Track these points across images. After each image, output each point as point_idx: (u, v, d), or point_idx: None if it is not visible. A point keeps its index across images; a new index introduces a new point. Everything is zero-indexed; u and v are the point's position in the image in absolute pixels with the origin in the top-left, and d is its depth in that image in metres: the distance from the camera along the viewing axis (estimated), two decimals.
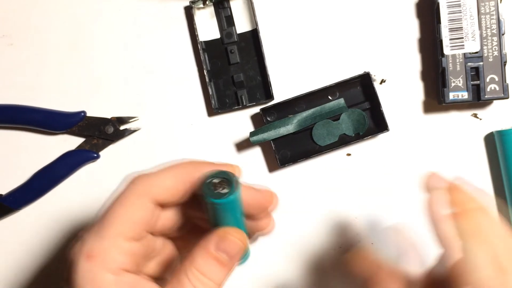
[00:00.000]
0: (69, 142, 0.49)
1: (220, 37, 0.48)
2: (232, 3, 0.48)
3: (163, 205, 0.34)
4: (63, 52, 0.49)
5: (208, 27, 0.48)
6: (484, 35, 0.44)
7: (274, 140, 0.46)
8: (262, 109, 0.46)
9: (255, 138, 0.46)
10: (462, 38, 0.44)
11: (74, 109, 0.48)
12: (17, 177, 0.49)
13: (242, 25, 0.48)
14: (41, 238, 0.49)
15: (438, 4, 0.44)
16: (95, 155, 0.48)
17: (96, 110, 0.49)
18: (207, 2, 0.47)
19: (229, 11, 0.48)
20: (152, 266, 0.37)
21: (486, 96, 0.44)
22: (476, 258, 0.30)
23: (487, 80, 0.44)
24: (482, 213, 0.33)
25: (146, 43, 0.49)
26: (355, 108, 0.47)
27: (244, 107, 0.47)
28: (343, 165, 0.48)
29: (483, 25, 0.44)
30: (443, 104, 0.45)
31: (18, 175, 0.49)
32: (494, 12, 0.44)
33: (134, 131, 0.48)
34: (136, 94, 0.49)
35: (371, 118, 0.47)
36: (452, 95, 0.45)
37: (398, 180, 0.47)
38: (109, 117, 0.48)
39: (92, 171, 0.49)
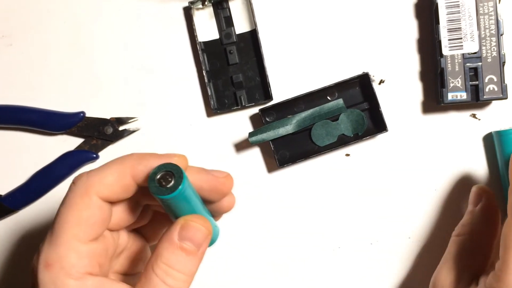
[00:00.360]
0: (68, 143, 0.49)
1: (219, 38, 0.48)
2: (231, 4, 0.48)
3: (111, 201, 0.33)
4: (63, 53, 0.49)
5: (207, 28, 0.48)
6: (483, 35, 0.44)
7: (273, 140, 0.47)
8: (261, 110, 0.46)
9: (254, 138, 0.46)
10: (461, 38, 0.44)
11: (73, 110, 0.48)
12: (17, 178, 0.49)
13: (241, 26, 0.48)
14: (40, 239, 0.49)
15: (436, 4, 0.44)
16: (94, 155, 0.48)
17: (95, 110, 0.49)
18: (206, 3, 0.47)
19: (228, 12, 0.48)
20: (122, 262, 0.36)
21: (484, 97, 0.44)
22: None
23: (486, 80, 0.44)
24: None
25: (145, 44, 0.49)
26: (354, 108, 0.47)
27: (243, 107, 0.47)
28: (342, 166, 0.48)
29: (482, 25, 0.44)
30: (442, 104, 0.45)
31: (17, 175, 0.49)
32: (492, 13, 0.44)
33: (133, 131, 0.48)
34: (135, 94, 0.49)
35: (370, 118, 0.47)
36: (450, 96, 0.45)
37: (398, 180, 0.47)
38: (108, 117, 0.48)
39: None
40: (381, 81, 0.47)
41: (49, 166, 0.48)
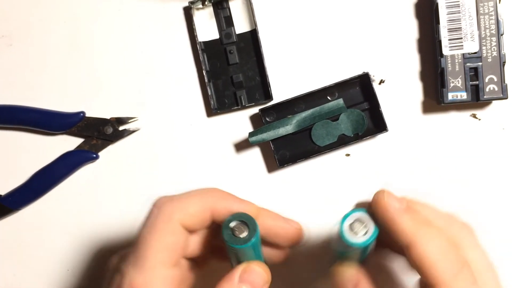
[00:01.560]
0: (68, 143, 0.49)
1: (219, 38, 0.48)
2: (231, 4, 0.48)
3: (190, 230, 0.34)
4: (63, 52, 0.49)
5: (207, 28, 0.48)
6: (483, 35, 0.44)
7: (273, 140, 0.46)
8: (261, 110, 0.46)
9: (254, 138, 0.46)
10: (461, 38, 0.44)
11: (73, 110, 0.48)
12: (17, 178, 0.49)
13: (241, 26, 0.48)
14: (40, 239, 0.49)
15: (437, 4, 0.44)
16: (94, 155, 0.48)
17: (95, 110, 0.49)
18: (206, 3, 0.47)
19: (228, 12, 0.48)
20: None
21: (485, 97, 0.44)
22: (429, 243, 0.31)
23: (486, 80, 0.44)
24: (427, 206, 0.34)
25: (145, 44, 0.49)
26: (354, 108, 0.47)
27: (243, 107, 0.47)
28: (342, 166, 0.48)
29: (482, 25, 0.44)
30: (442, 104, 0.45)
31: (17, 175, 0.49)
32: (493, 13, 0.44)
33: (133, 131, 0.48)
34: (135, 94, 0.49)
35: (370, 118, 0.47)
36: (451, 96, 0.45)
37: (398, 180, 0.47)
38: (108, 117, 0.48)
39: (91, 172, 0.49)
40: (381, 81, 0.47)
41: (49, 166, 0.48)
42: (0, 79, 0.49)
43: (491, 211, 0.47)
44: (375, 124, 0.47)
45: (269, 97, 0.47)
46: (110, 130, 0.48)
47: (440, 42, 0.44)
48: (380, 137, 0.47)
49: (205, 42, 0.48)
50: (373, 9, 0.47)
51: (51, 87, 0.49)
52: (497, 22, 0.44)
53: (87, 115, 0.48)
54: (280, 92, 0.47)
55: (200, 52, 0.47)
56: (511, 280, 0.47)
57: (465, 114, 0.47)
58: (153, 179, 0.48)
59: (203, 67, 0.47)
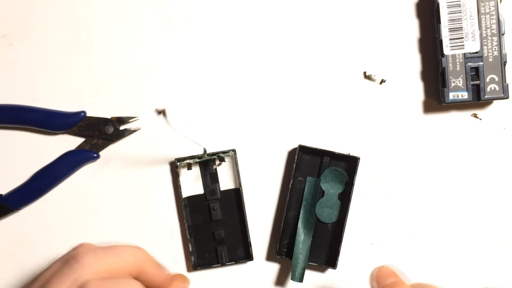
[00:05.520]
0: (69, 142, 0.49)
1: (204, 193, 0.48)
2: (217, 162, 0.47)
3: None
4: (63, 52, 0.49)
5: (193, 182, 0.48)
6: (484, 35, 0.44)
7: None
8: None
9: (297, 276, 0.45)
10: (462, 38, 0.44)
11: (74, 109, 0.48)
12: (17, 177, 0.49)
13: (226, 182, 0.48)
14: (41, 238, 0.49)
15: (438, 4, 0.44)
16: (95, 155, 0.48)
17: (96, 110, 0.49)
18: (191, 167, 0.47)
19: (213, 169, 0.48)
20: None
21: (486, 96, 0.44)
22: None
23: (487, 80, 0.44)
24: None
25: (145, 43, 0.49)
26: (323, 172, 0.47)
27: (223, 265, 0.47)
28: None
29: (483, 25, 0.44)
30: (443, 104, 0.45)
31: (18, 175, 0.49)
32: (494, 12, 0.44)
33: (134, 131, 0.48)
34: (136, 94, 0.49)
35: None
36: (452, 95, 0.45)
37: (398, 180, 0.47)
38: (109, 117, 0.48)
39: (92, 171, 0.49)
40: (382, 81, 0.47)
41: (49, 166, 0.48)
42: (0, 79, 0.49)
43: (491, 211, 0.47)
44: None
45: (249, 256, 0.47)
46: (111, 129, 0.48)
47: (441, 41, 0.44)
48: (380, 137, 0.47)
49: (189, 197, 0.48)
50: (374, 9, 0.47)
51: (51, 86, 0.49)
52: (498, 21, 0.44)
53: (88, 114, 0.48)
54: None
55: (183, 207, 0.47)
56: (511, 280, 0.47)
57: (466, 114, 0.47)
58: (153, 179, 0.48)
59: (185, 222, 0.47)
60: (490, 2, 0.44)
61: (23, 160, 0.49)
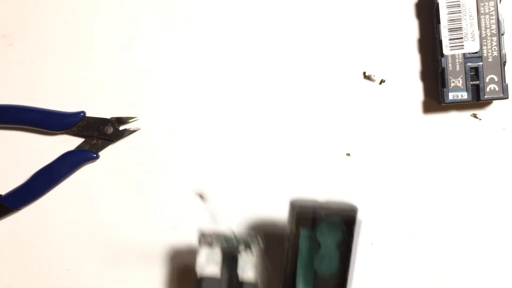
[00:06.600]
0: (69, 142, 0.49)
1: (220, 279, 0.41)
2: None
3: None
4: (63, 52, 0.49)
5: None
6: (484, 35, 0.44)
7: None
8: None
9: None
10: (462, 38, 0.44)
11: (73, 109, 0.48)
12: (17, 177, 0.49)
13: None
14: (41, 238, 0.49)
15: (437, 4, 0.44)
16: (95, 155, 0.48)
17: (95, 110, 0.49)
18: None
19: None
20: None
21: (485, 96, 0.44)
22: None
23: (487, 80, 0.44)
24: None
25: (145, 43, 0.49)
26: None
27: None
28: (342, 166, 0.48)
29: (483, 25, 0.44)
30: (443, 104, 0.45)
31: (17, 175, 0.49)
32: (493, 12, 0.44)
33: (134, 131, 0.48)
34: (135, 94, 0.49)
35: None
36: (451, 95, 0.45)
37: (398, 180, 0.47)
38: (108, 117, 0.48)
39: (91, 171, 0.49)
40: (382, 81, 0.47)
41: (49, 166, 0.48)
42: (0, 79, 0.49)
43: (491, 211, 0.47)
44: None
45: None
46: (110, 130, 0.48)
47: (440, 42, 0.44)
48: (380, 137, 0.47)
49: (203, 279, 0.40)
50: (373, 9, 0.47)
51: (51, 87, 0.49)
52: (498, 21, 0.44)
53: (88, 115, 0.48)
54: None
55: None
56: (511, 280, 0.47)
57: (466, 114, 0.47)
58: (154, 179, 0.48)
59: None
60: (490, 2, 0.44)
61: (23, 160, 0.49)
